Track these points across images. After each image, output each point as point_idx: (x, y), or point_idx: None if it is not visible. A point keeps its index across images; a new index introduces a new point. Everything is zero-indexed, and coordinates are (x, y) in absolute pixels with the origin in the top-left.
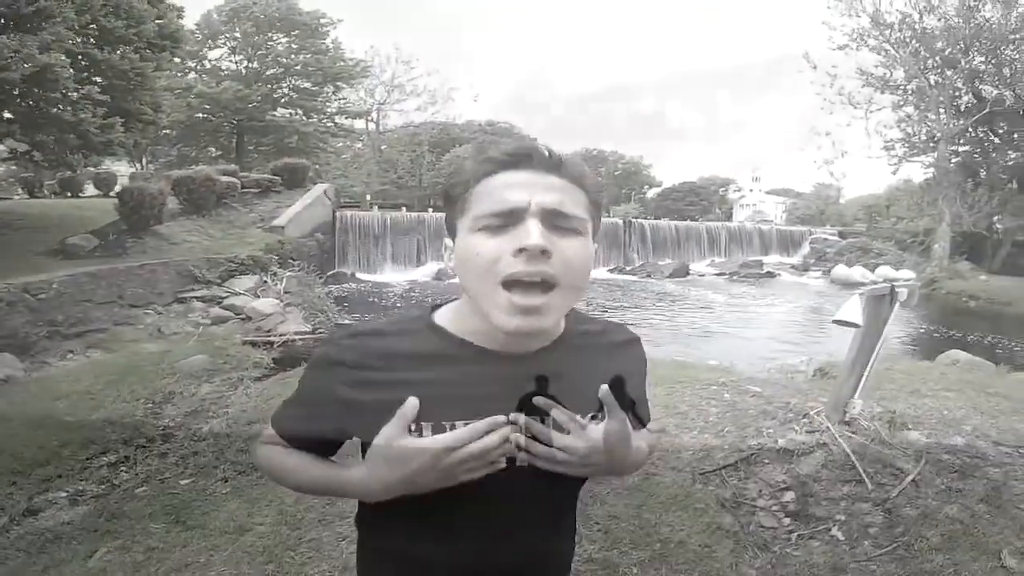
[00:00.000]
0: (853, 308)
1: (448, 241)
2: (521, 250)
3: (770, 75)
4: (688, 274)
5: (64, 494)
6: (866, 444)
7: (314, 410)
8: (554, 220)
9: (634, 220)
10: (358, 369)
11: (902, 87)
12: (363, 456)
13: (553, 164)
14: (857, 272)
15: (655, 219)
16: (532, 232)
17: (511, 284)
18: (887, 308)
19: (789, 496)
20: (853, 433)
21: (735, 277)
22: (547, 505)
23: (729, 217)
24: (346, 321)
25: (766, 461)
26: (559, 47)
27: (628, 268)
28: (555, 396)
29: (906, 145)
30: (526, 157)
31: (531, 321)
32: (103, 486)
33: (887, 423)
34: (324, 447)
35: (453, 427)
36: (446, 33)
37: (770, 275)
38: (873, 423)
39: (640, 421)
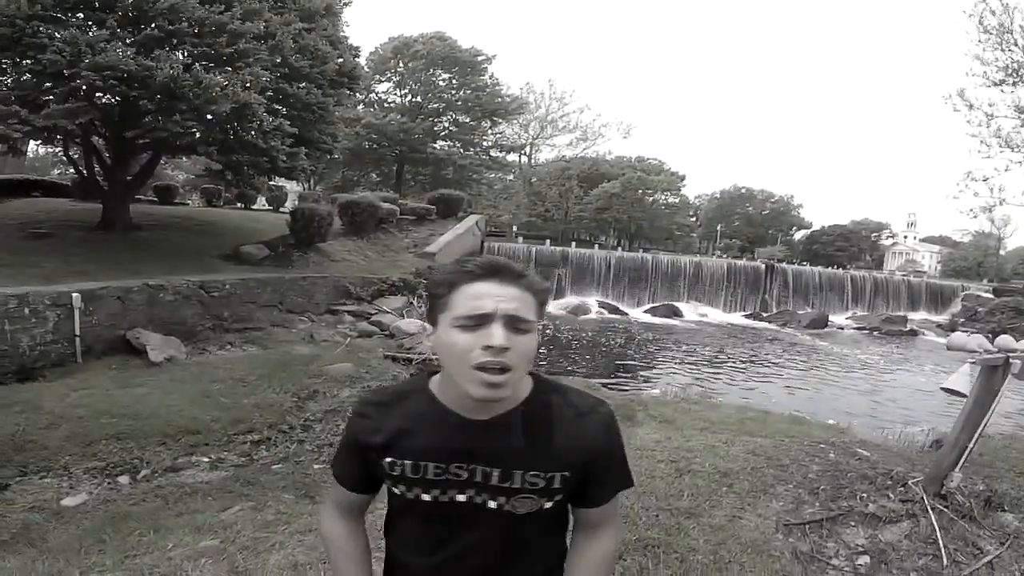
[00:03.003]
0: (962, 378)
1: (428, 326)
2: (488, 347)
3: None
4: (826, 325)
5: (207, 460)
6: (955, 519)
7: (344, 450)
8: (513, 323)
9: (776, 264)
10: (367, 419)
11: None
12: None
13: (516, 277)
14: (973, 341)
15: (800, 263)
16: (496, 335)
17: (480, 367)
18: (1000, 379)
19: (863, 560)
20: (946, 507)
21: (875, 333)
22: (515, 535)
23: (880, 265)
24: None
25: (852, 523)
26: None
27: (765, 315)
28: (508, 455)
29: None
30: (496, 271)
31: (494, 392)
32: (243, 458)
33: (983, 501)
34: (363, 482)
35: (426, 468)
36: None
37: (913, 333)
38: (969, 499)
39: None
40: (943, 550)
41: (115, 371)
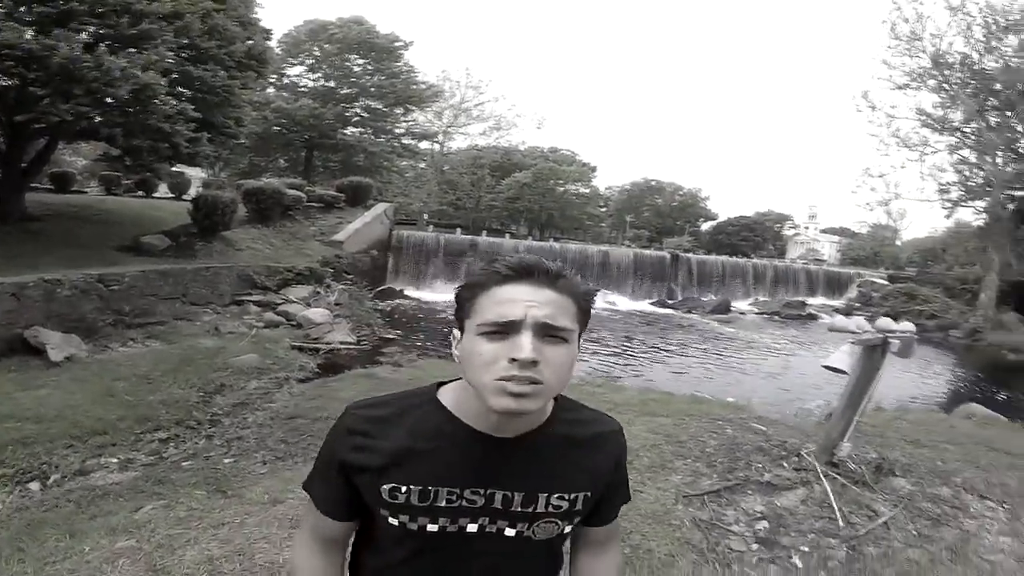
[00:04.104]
0: (843, 356)
1: (456, 332)
2: (514, 360)
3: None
4: (729, 311)
5: (116, 460)
6: (848, 485)
7: (326, 471)
8: (545, 331)
9: (681, 254)
10: (361, 436)
11: (960, 129)
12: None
13: (550, 279)
14: (853, 322)
15: (705, 253)
16: (524, 346)
17: (504, 380)
18: (880, 358)
19: (762, 525)
20: (838, 474)
21: (776, 317)
22: (524, 566)
23: (782, 254)
24: (389, 334)
25: (749, 492)
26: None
27: (671, 302)
28: (533, 477)
29: (962, 189)
30: (527, 273)
31: (519, 403)
32: (152, 457)
33: (874, 468)
34: (347, 509)
35: (436, 493)
36: None
37: (811, 317)
38: (860, 466)
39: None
40: (838, 513)
41: (15, 373)
